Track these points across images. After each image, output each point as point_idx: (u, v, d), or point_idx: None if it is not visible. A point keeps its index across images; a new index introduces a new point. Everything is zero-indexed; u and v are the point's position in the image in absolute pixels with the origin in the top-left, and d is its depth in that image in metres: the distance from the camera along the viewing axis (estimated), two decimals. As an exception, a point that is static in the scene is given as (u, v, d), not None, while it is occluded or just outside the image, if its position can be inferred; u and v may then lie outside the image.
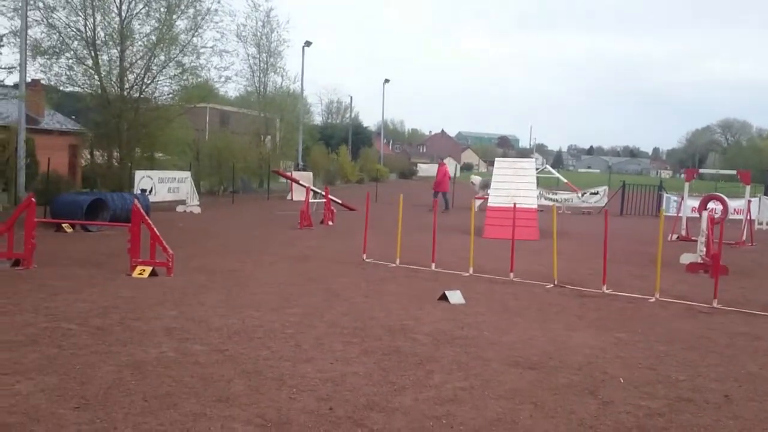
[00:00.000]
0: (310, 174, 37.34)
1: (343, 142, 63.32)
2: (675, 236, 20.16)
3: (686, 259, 14.61)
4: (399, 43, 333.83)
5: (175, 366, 6.41)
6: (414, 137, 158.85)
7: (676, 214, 23.43)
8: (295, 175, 34.37)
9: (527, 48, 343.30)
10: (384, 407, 5.57)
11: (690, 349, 7.75)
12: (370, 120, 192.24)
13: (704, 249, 13.98)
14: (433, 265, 13.01)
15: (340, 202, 26.68)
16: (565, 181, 44.51)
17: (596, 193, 33.51)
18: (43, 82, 27.90)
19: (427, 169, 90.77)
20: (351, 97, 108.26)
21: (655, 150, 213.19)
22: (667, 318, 9.47)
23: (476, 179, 32.63)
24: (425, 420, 5.33)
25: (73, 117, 33.37)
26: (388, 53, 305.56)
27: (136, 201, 12.30)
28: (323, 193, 24.72)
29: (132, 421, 5.04)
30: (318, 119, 73.82)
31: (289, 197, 33.50)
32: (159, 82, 26.50)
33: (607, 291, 11.13)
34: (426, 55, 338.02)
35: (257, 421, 5.17)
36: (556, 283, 11.65)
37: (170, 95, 27.38)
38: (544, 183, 40.60)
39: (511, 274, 12.19)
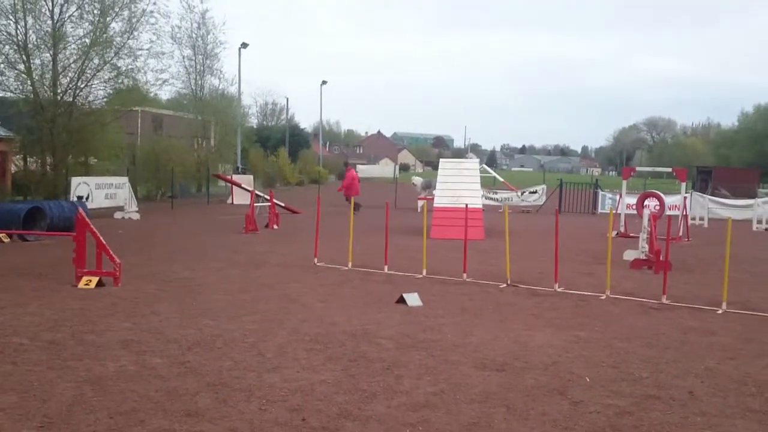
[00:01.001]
0: (251, 177, 36.86)
1: (280, 144, 62.74)
2: (615, 233, 20.68)
3: (629, 255, 15.00)
4: (333, 44, 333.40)
5: (137, 380, 6.21)
6: (350, 138, 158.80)
7: (614, 211, 24.08)
8: (236, 178, 33.93)
9: (460, 48, 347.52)
10: (357, 415, 5.51)
11: (648, 346, 7.94)
12: (306, 121, 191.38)
13: (647, 245, 14.37)
14: (386, 268, 13.00)
15: (283, 205, 26.43)
16: (502, 180, 45.27)
17: (535, 192, 34.18)
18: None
19: (366, 170, 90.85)
20: (287, 99, 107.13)
21: (584, 148, 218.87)
22: (620, 315, 9.69)
23: (417, 180, 32.71)
24: (401, 427, 5.30)
25: (-1, 123, 32.11)
26: (323, 54, 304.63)
27: (80, 209, 11.87)
28: (267, 196, 24.43)
29: (101, 441, 4.85)
30: (254, 121, 72.99)
31: (229, 201, 33.00)
32: (93, 86, 25.75)
33: (559, 289, 11.32)
34: (360, 56, 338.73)
35: (231, 435, 5.05)
36: (509, 282, 11.79)
37: (105, 99, 26.61)
38: (482, 182, 41.11)
39: (464, 275, 12.27)
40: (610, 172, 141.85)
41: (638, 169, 34.90)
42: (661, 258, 12.93)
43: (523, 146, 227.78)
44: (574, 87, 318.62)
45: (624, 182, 22.03)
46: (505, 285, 11.71)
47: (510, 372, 6.80)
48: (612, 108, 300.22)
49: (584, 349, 7.71)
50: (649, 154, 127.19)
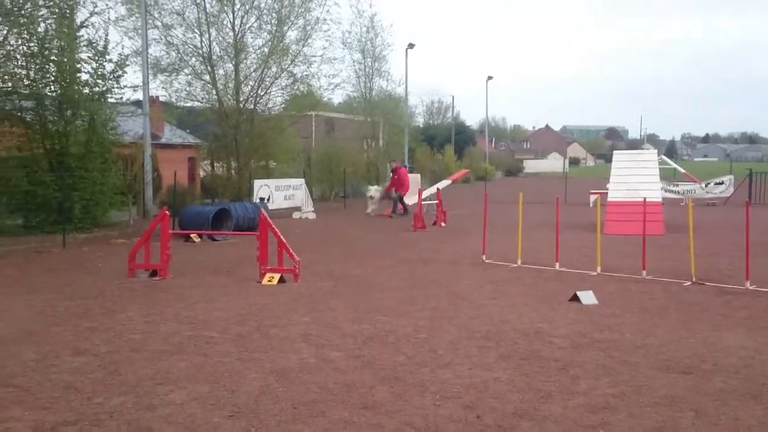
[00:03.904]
0: (418, 176, 37.36)
1: (446, 142, 63.06)
2: (815, 226, 18.81)
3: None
4: (498, 40, 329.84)
5: (317, 372, 6.48)
6: (517, 133, 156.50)
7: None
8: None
9: (634, 35, 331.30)
10: (533, 415, 5.40)
11: None
12: (471, 118, 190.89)
13: None
14: (558, 265, 12.66)
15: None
16: (683, 171, 42.53)
17: (721, 183, 31.80)
18: (162, 98, 29.30)
19: (534, 165, 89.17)
20: (453, 97, 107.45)
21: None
22: (823, 315, 8.80)
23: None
24: (579, 429, 5.13)
25: (188, 130, 34.87)
26: (487, 50, 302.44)
27: (262, 210, 12.62)
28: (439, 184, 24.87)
29: (285, 429, 5.11)
30: (420, 120, 73.88)
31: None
32: (272, 93, 27.30)
33: (751, 287, 10.47)
34: (525, 49, 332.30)
35: (406, 429, 5.13)
36: (694, 280, 11.07)
37: (282, 105, 28.11)
38: (660, 175, 38.91)
39: (644, 272, 11.67)
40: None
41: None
42: None
43: (706, 135, 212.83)
44: (762, 70, 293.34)
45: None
46: (689, 283, 11.00)
47: (697, 374, 6.38)
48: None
49: (782, 353, 7.07)
50: None
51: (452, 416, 5.38)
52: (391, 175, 26.77)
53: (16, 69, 18.79)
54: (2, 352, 7.17)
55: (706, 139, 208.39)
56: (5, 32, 17.97)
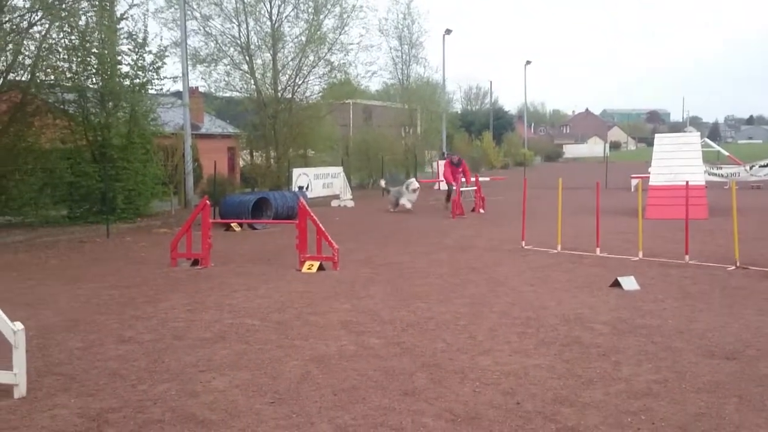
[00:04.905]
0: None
1: (484, 128, 62.66)
2: None
3: None
4: (536, 23, 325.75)
5: (357, 359, 6.52)
6: (556, 118, 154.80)
7: None
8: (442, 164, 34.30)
9: (673, 14, 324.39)
10: (574, 402, 5.36)
11: None
12: (510, 104, 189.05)
13: None
14: (598, 250, 12.51)
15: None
16: (727, 154, 41.56)
17: (766, 166, 30.96)
18: (202, 89, 29.63)
19: (574, 150, 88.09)
20: (491, 82, 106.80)
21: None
22: None
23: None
24: (621, 415, 5.08)
25: (227, 121, 35.22)
26: (524, 35, 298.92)
27: (301, 198, 12.70)
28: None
29: (326, 416, 5.16)
30: (458, 106, 73.52)
31: (436, 186, 33.55)
32: (309, 82, 27.43)
33: (798, 272, 10.24)
34: (564, 32, 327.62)
35: (446, 416, 5.13)
36: (738, 264, 10.85)
37: (320, 93, 28.23)
38: (704, 158, 38.10)
39: (686, 257, 11.48)
40: None
41: None
42: None
43: (751, 116, 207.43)
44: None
45: None
46: (733, 267, 10.79)
47: (742, 360, 6.26)
48: None
49: (831, 338, 6.90)
50: None
51: (492, 402, 5.38)
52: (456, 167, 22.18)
53: (58, 62, 19.15)
54: (48, 340, 7.36)
55: (751, 120, 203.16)
56: (47, 26, 18.32)
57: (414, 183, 23.26)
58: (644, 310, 8.26)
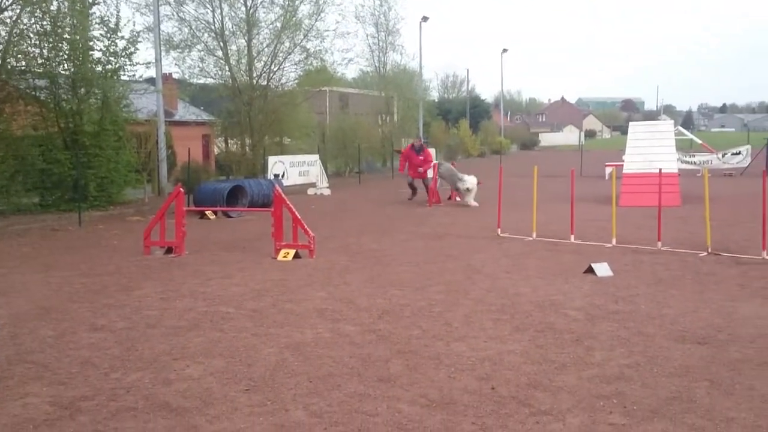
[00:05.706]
0: (433, 150, 37.24)
1: (461, 116, 62.76)
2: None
3: None
4: (512, 11, 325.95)
5: (333, 346, 6.51)
6: (532, 106, 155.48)
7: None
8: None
9: (650, 2, 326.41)
10: (547, 386, 5.41)
11: None
12: (486, 92, 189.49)
13: None
14: (573, 237, 12.61)
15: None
16: (700, 142, 42.03)
17: (738, 153, 31.45)
18: (175, 75, 29.28)
19: (549, 139, 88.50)
20: (467, 70, 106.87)
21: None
22: (842, 285, 8.71)
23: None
24: (594, 399, 5.13)
25: (201, 107, 34.89)
26: (501, 23, 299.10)
27: (277, 186, 12.63)
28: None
29: (301, 403, 5.15)
30: (435, 94, 73.52)
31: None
32: (285, 69, 27.25)
33: (767, 257, 10.39)
34: (540, 20, 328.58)
35: (421, 401, 5.15)
36: (710, 250, 10.99)
37: (296, 80, 28.07)
38: (677, 145, 38.52)
39: (659, 243, 11.61)
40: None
41: None
42: None
43: (724, 105, 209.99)
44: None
45: None
46: (705, 253, 10.93)
47: (713, 345, 6.36)
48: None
49: (799, 323, 7.02)
50: None
51: (467, 388, 5.40)
52: (417, 155, 21.43)
53: (29, 48, 18.81)
54: (20, 328, 7.27)
55: (723, 109, 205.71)
56: (18, 11, 17.98)
57: (467, 181, 19.89)
58: (617, 296, 8.35)
